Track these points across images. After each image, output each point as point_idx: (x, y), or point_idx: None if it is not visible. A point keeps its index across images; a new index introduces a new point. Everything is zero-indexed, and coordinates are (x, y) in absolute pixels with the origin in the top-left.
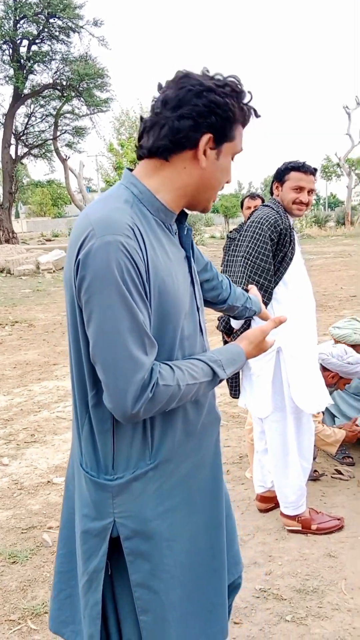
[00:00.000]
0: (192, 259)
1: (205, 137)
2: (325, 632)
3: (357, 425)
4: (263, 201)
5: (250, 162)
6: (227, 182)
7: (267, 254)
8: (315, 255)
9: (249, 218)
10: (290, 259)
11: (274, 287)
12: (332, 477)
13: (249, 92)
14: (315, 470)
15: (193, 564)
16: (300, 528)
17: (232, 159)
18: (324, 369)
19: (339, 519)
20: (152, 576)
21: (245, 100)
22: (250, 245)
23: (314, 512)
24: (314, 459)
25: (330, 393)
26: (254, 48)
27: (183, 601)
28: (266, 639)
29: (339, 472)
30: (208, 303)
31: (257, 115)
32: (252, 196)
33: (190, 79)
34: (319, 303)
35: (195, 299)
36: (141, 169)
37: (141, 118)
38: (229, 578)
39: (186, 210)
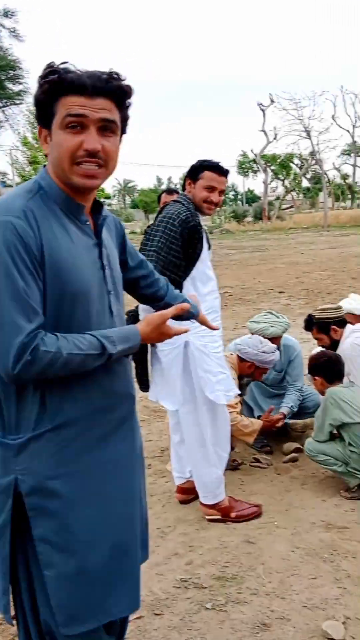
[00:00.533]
0: (103, 246)
1: (42, 130)
2: (244, 617)
3: (272, 415)
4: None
5: (168, 158)
6: (86, 150)
7: (178, 249)
8: (234, 249)
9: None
10: (199, 255)
11: (182, 283)
12: (250, 465)
13: (57, 69)
14: (234, 460)
15: (105, 532)
16: (219, 517)
17: (69, 125)
18: (240, 359)
19: (257, 506)
20: (55, 533)
21: (50, 73)
22: (162, 240)
23: (233, 500)
24: (232, 449)
25: (247, 384)
26: (173, 43)
27: (91, 564)
28: (187, 628)
29: (258, 461)
30: (147, 300)
31: (69, 82)
32: (169, 191)
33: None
34: (238, 297)
35: (106, 283)
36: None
37: None
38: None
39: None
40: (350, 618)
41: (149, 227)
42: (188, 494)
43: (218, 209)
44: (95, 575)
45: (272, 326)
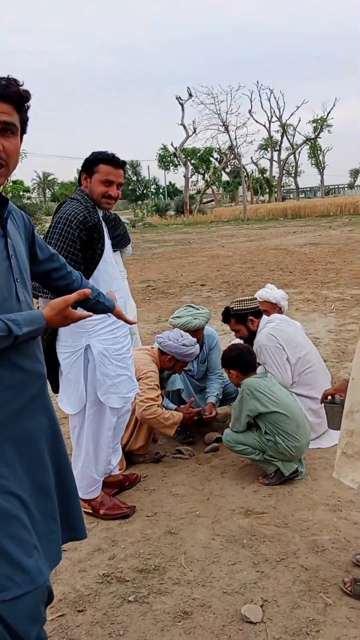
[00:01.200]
0: (9, 237)
1: None
2: (166, 607)
3: (193, 408)
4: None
5: (88, 151)
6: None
7: (76, 252)
8: (157, 243)
9: None
10: (100, 255)
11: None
12: (173, 457)
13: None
14: (157, 452)
15: (25, 501)
16: (91, 511)
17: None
18: (161, 352)
19: (128, 507)
20: None
21: None
22: (58, 243)
23: (108, 498)
24: (155, 441)
25: (168, 377)
26: (90, 34)
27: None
28: (110, 623)
29: (180, 452)
30: (61, 292)
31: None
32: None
33: None
34: (161, 290)
35: (12, 272)
36: None
37: None
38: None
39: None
40: (268, 600)
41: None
42: (110, 487)
43: (140, 202)
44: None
45: (195, 318)
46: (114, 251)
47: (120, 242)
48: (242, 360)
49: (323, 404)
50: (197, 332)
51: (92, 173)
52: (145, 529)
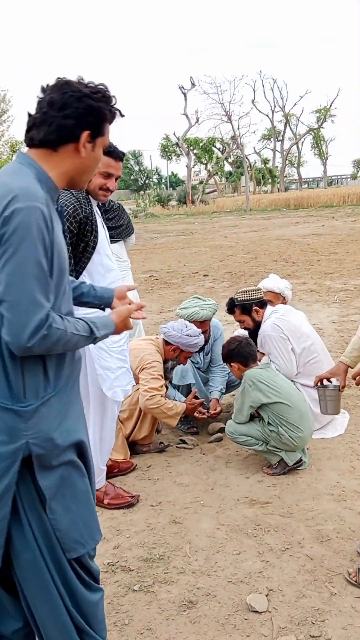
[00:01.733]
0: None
1: (85, 134)
2: (171, 596)
3: (196, 398)
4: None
5: None
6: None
7: (67, 244)
8: (159, 233)
9: None
10: (93, 248)
11: (77, 278)
12: (177, 447)
13: (114, 96)
14: (161, 442)
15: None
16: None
17: (102, 151)
18: (165, 343)
19: (132, 497)
20: (62, 480)
21: (112, 104)
22: None
23: (112, 487)
24: (159, 431)
25: (172, 367)
26: (90, 26)
27: (84, 501)
28: (115, 612)
29: (184, 442)
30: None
31: (121, 115)
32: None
33: (71, 86)
34: (163, 280)
35: (69, 263)
36: (34, 155)
37: (29, 114)
38: None
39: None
40: (273, 590)
41: None
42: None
43: (142, 192)
44: (87, 505)
45: (202, 309)
46: (117, 241)
47: (123, 232)
48: (241, 352)
49: (317, 388)
50: (203, 323)
51: None
52: (149, 519)
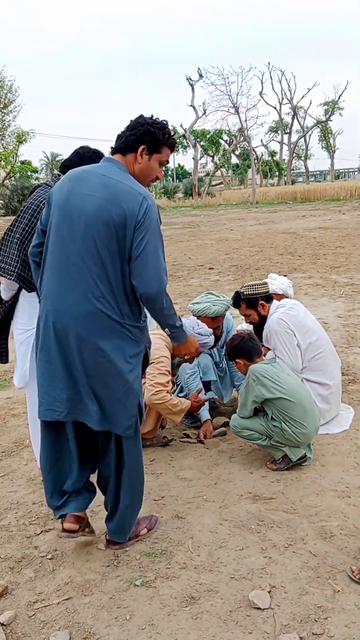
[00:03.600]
0: None
1: (141, 147)
2: (173, 592)
3: (201, 397)
4: None
5: (96, 132)
6: (157, 179)
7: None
8: (165, 226)
9: None
10: None
11: None
12: (180, 441)
13: (172, 129)
14: (165, 436)
15: None
16: None
17: (161, 165)
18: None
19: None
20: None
21: (166, 131)
22: (26, 228)
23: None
24: (163, 427)
25: (179, 364)
26: (100, 14)
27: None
28: (116, 607)
29: (187, 436)
30: None
31: (174, 144)
32: None
33: (140, 118)
34: (169, 273)
35: None
36: (116, 158)
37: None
38: None
39: None
40: (276, 587)
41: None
42: None
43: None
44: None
45: (214, 305)
46: None
47: None
48: (245, 348)
49: None
50: (216, 319)
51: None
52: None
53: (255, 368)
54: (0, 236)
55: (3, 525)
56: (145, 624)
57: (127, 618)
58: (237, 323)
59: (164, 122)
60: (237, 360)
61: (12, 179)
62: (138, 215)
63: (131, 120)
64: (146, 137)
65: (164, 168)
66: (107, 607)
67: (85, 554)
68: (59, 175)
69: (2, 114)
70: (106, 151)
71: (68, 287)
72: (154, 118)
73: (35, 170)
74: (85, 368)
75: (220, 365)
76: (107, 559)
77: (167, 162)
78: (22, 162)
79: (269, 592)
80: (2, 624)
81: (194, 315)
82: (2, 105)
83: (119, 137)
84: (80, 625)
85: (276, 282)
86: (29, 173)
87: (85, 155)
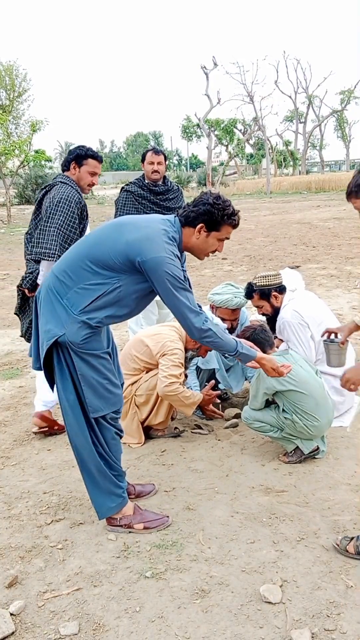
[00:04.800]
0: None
1: (200, 225)
2: (183, 584)
3: (214, 390)
4: (166, 158)
5: (113, 121)
6: (215, 251)
7: (75, 226)
8: None
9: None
10: (82, 232)
11: None
12: (192, 432)
13: (237, 212)
14: (176, 427)
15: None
16: None
17: (222, 240)
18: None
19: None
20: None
21: (226, 213)
22: (62, 219)
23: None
24: (173, 419)
25: (191, 358)
26: (112, 5)
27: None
28: (126, 598)
29: (199, 427)
30: None
31: (236, 224)
32: (156, 151)
33: (204, 195)
34: None
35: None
36: (181, 227)
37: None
38: None
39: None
40: (287, 581)
41: (127, 184)
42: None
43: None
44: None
45: (235, 297)
46: None
47: None
48: (257, 339)
49: (322, 341)
50: (235, 311)
51: (82, 164)
52: (163, 504)
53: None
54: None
55: (14, 514)
56: (155, 616)
57: (137, 610)
58: (250, 314)
59: (227, 203)
60: None
61: (26, 168)
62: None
63: (198, 195)
64: (205, 216)
65: (177, 157)
66: (117, 599)
67: (96, 544)
68: (68, 177)
69: (17, 103)
70: (120, 140)
71: None
72: (219, 197)
73: (49, 160)
74: None
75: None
76: (118, 550)
77: (228, 237)
78: (36, 151)
79: (281, 586)
80: (12, 614)
81: (212, 305)
82: (16, 94)
83: (184, 207)
84: (90, 616)
85: (289, 281)
86: (43, 162)
87: (80, 155)
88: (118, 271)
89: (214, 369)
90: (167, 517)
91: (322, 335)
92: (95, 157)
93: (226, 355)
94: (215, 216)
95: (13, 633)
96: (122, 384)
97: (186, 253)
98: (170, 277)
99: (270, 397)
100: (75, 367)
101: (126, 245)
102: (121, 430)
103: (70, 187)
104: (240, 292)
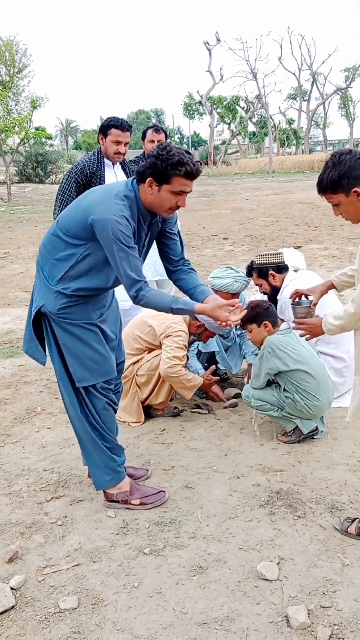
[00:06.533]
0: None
1: (148, 179)
2: (181, 561)
3: (214, 375)
4: (167, 136)
5: (114, 98)
6: (177, 207)
7: (72, 192)
8: None
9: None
10: None
11: None
12: (191, 411)
13: (186, 161)
14: (175, 407)
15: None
16: None
17: (178, 194)
18: (192, 317)
19: (161, 491)
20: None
21: (175, 165)
22: (63, 185)
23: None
24: (172, 399)
25: (192, 342)
26: None
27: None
28: (125, 574)
29: (198, 407)
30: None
31: (188, 174)
32: (157, 129)
33: (157, 149)
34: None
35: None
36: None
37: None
38: None
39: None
40: (284, 559)
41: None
42: None
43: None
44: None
45: (236, 281)
46: None
47: None
48: (270, 313)
49: (290, 304)
50: (235, 295)
51: (107, 135)
52: (162, 482)
53: (272, 340)
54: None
55: (14, 491)
56: (153, 591)
57: (136, 585)
58: (251, 294)
59: (171, 152)
60: (248, 326)
61: (26, 145)
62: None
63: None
64: (151, 169)
65: (178, 135)
66: (116, 574)
67: (95, 521)
68: (99, 148)
69: (17, 79)
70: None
71: None
72: (165, 147)
73: (49, 137)
74: None
75: (229, 335)
76: (117, 527)
77: (186, 191)
78: (37, 129)
79: (278, 564)
80: (12, 588)
81: (213, 289)
82: (16, 70)
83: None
84: (89, 591)
85: (292, 261)
86: (43, 139)
87: (103, 125)
88: (85, 239)
89: (213, 350)
90: (164, 491)
91: (290, 297)
92: (118, 126)
93: (224, 335)
94: (159, 167)
95: (13, 607)
96: (123, 361)
97: (177, 213)
98: (113, 239)
99: (272, 377)
100: (57, 336)
101: (83, 210)
102: (115, 403)
103: (84, 157)
104: (241, 276)
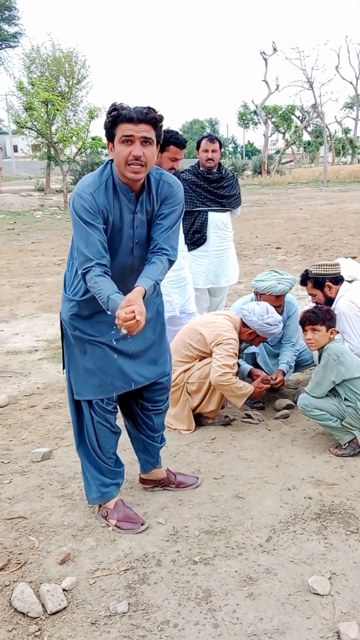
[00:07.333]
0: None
1: (107, 144)
2: (231, 571)
3: (264, 384)
4: (221, 145)
5: (169, 108)
6: (136, 157)
7: None
8: None
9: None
10: None
11: None
12: (242, 421)
13: (121, 106)
14: (226, 416)
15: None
16: None
17: (125, 143)
18: (243, 324)
19: (142, 523)
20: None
21: (113, 111)
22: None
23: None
24: (223, 407)
25: (244, 348)
26: None
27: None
28: (174, 581)
29: (249, 417)
30: None
31: (129, 118)
32: (211, 138)
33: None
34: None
35: (134, 235)
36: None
37: None
38: None
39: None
40: (336, 573)
41: (183, 172)
42: None
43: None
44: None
45: (279, 283)
46: (227, 210)
47: (234, 202)
48: (332, 317)
49: None
50: (279, 298)
51: (164, 150)
52: (212, 491)
53: (335, 347)
54: None
55: (67, 493)
56: (202, 600)
57: (185, 593)
58: (304, 304)
59: (117, 106)
60: (318, 327)
61: (83, 154)
62: None
63: None
64: (104, 129)
65: (232, 144)
66: (166, 581)
67: (146, 527)
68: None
69: (76, 90)
70: (176, 127)
71: None
72: (118, 104)
73: (105, 147)
74: None
75: (273, 344)
76: (167, 534)
77: (131, 135)
78: (93, 138)
79: (329, 578)
80: (64, 590)
81: (257, 292)
82: (75, 81)
83: None
84: (139, 596)
85: (343, 269)
86: (100, 149)
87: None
88: None
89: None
90: (143, 523)
91: None
92: (177, 143)
93: (268, 342)
94: (105, 126)
95: (65, 608)
96: (168, 375)
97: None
98: (73, 213)
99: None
100: (65, 345)
101: None
102: (112, 425)
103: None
104: (285, 278)
